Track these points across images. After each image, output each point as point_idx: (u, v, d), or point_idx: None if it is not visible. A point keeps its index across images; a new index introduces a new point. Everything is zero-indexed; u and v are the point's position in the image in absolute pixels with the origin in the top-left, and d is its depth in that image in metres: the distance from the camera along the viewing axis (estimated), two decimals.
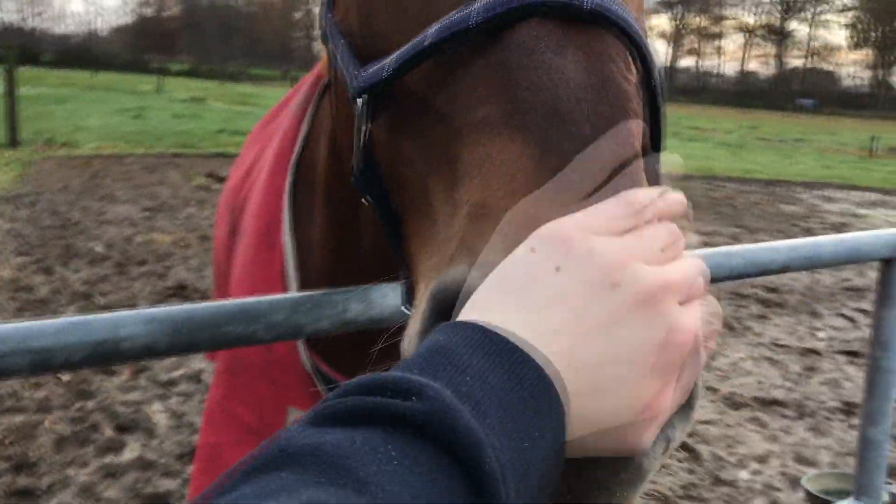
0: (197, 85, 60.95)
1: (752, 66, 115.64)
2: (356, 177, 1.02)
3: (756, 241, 9.54)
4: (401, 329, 0.85)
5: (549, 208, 0.70)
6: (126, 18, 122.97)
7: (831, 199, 19.24)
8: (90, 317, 1.05)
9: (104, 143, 19.59)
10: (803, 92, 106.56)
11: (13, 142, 17.54)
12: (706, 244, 8.92)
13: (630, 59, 0.84)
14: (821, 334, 8.25)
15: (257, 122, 2.57)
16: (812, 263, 1.87)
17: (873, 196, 20.65)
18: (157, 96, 42.30)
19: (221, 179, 12.86)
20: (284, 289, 1.75)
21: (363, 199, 1.06)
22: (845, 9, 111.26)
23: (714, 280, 1.42)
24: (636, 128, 0.78)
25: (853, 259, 1.99)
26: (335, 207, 1.65)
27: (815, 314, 8.99)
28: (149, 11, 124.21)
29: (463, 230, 0.77)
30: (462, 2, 0.84)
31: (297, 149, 1.85)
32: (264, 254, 1.83)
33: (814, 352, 7.69)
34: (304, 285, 1.76)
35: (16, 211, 11.47)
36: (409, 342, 0.80)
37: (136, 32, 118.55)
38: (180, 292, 8.10)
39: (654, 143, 0.91)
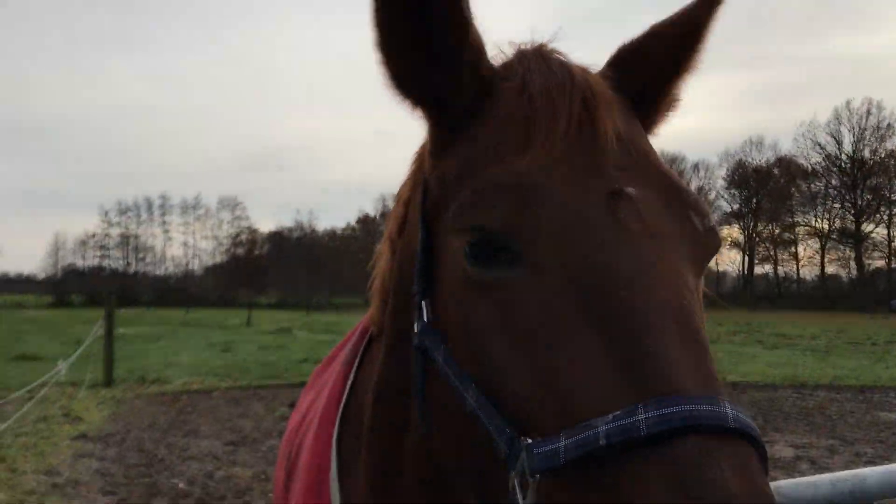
0: (284, 316, 63.39)
1: (831, 269, 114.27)
2: None
3: (854, 452, 8.94)
4: None
5: None
6: (219, 258, 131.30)
7: None
8: None
9: (193, 379, 20.31)
10: (893, 293, 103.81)
11: (108, 381, 18.34)
12: (799, 457, 8.39)
13: (761, 461, 1.04)
14: None
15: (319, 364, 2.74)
16: (855, 499, 1.84)
17: None
18: (246, 329, 44.06)
19: None
20: None
21: None
22: None
23: None
24: None
25: None
26: (378, 454, 1.75)
27: None
28: (240, 251, 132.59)
29: None
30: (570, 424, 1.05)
31: (344, 399, 1.99)
32: (313, 501, 1.92)
33: None
34: None
35: (105, 450, 11.82)
36: None
37: (228, 270, 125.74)
38: None
39: None
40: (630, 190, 1.25)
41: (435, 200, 1.41)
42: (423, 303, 1.35)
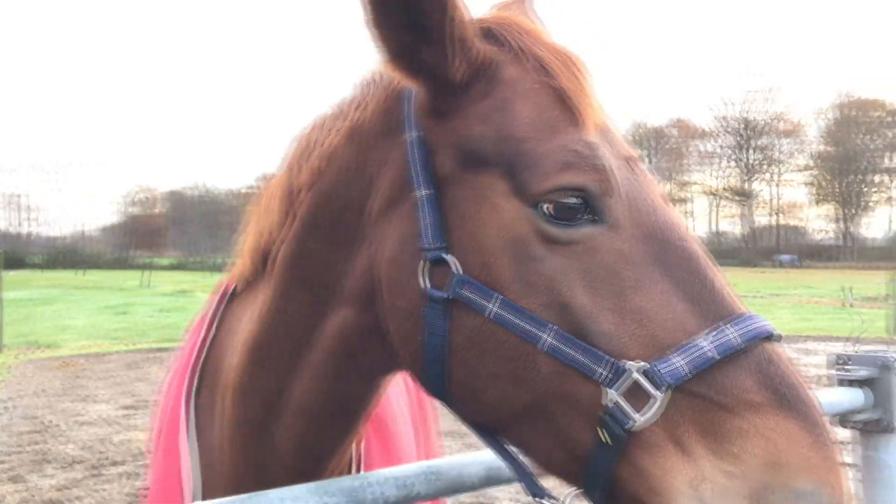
0: (184, 278, 61.86)
1: (723, 226, 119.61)
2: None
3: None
4: None
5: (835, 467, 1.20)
6: (114, 218, 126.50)
7: (810, 351, 19.40)
8: None
9: (87, 342, 19.67)
10: (780, 248, 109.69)
11: None
12: None
13: None
14: None
15: None
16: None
17: (855, 347, 20.79)
18: (143, 291, 42.84)
19: None
20: (182, 494, 1.85)
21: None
22: (804, 168, 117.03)
23: None
24: None
25: None
26: (247, 410, 1.78)
27: None
28: (136, 210, 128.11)
29: (750, 473, 1.19)
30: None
31: (202, 356, 2.00)
32: (168, 457, 1.94)
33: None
34: (211, 489, 1.86)
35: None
36: None
37: (124, 231, 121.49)
38: None
39: None
40: (635, 154, 1.53)
41: (459, 160, 1.48)
42: (448, 257, 1.42)
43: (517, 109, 1.46)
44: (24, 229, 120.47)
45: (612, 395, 1.25)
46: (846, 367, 2.23)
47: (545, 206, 1.37)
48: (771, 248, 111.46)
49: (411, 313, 1.47)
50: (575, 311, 1.32)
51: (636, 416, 1.23)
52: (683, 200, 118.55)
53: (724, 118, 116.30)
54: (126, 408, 12.09)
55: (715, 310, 1.29)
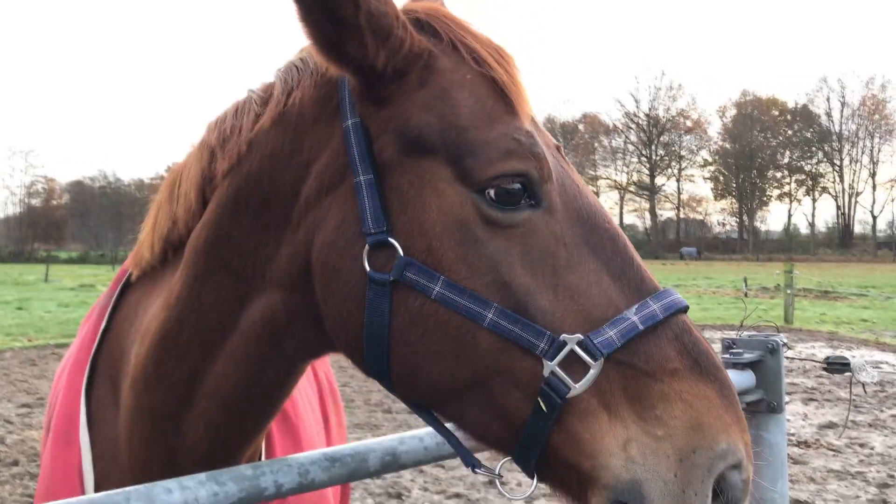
0: (87, 272, 59.47)
1: (629, 219, 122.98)
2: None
3: None
4: None
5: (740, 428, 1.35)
6: (12, 209, 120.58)
7: (710, 339, 20.14)
8: None
9: None
10: (682, 241, 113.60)
11: None
12: None
13: None
14: None
15: None
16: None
17: (747, 333, 21.72)
18: (44, 285, 40.99)
19: None
20: (81, 487, 1.79)
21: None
22: (705, 164, 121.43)
23: None
24: None
25: None
26: (155, 399, 1.73)
27: None
28: (36, 202, 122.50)
29: (674, 434, 1.31)
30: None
31: (94, 346, 1.95)
32: (62, 451, 1.88)
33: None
34: (108, 480, 1.81)
35: None
36: None
37: (22, 223, 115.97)
38: None
39: None
40: (559, 144, 1.66)
41: (400, 147, 1.50)
42: (391, 240, 1.45)
43: (457, 98, 1.51)
44: None
45: (551, 366, 1.34)
46: (732, 350, 2.33)
47: (489, 192, 1.44)
48: (675, 242, 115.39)
49: (352, 296, 1.49)
50: (515, 289, 1.40)
51: (574, 385, 1.33)
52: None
53: (631, 114, 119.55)
54: (23, 406, 11.55)
55: (638, 285, 1.43)
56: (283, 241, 1.61)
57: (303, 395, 2.30)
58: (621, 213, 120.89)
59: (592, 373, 1.33)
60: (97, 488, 1.80)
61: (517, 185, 1.44)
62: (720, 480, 1.31)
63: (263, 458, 1.96)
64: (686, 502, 1.28)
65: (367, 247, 1.47)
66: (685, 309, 1.43)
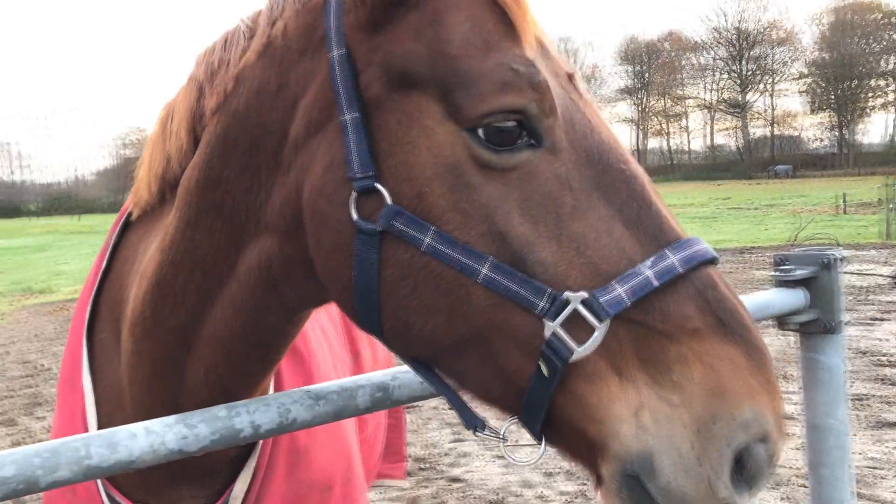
0: None
1: (719, 139, 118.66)
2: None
3: None
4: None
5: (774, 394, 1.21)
6: (108, 161, 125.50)
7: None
8: None
9: (80, 287, 19.67)
10: (775, 159, 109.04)
11: None
12: None
13: None
14: (794, 398, 8.18)
15: None
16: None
17: (846, 252, 20.84)
18: None
19: None
20: (85, 431, 1.78)
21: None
22: (800, 76, 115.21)
23: None
24: None
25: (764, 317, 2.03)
26: (153, 344, 1.68)
27: (787, 378, 8.94)
28: (129, 152, 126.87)
29: (692, 401, 1.17)
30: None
31: (94, 287, 1.90)
32: (68, 395, 1.86)
33: (786, 417, 7.60)
34: (113, 425, 1.79)
35: None
36: None
37: (118, 174, 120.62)
38: None
39: None
40: (574, 71, 1.43)
41: (386, 81, 1.35)
42: (378, 186, 1.32)
43: (450, 23, 1.33)
44: (18, 178, 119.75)
45: (552, 327, 1.21)
46: (782, 267, 2.13)
47: (481, 131, 1.28)
48: (768, 160, 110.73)
49: (340, 246, 1.37)
50: (513, 240, 1.26)
51: (577, 347, 1.19)
52: (678, 115, 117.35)
53: (718, 29, 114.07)
54: None
55: (655, 235, 1.26)
56: (275, 183, 1.49)
57: (316, 329, 2.23)
58: (712, 133, 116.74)
59: (597, 335, 1.19)
60: None
61: (512, 123, 1.28)
62: (743, 453, 1.16)
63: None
64: (702, 476, 1.14)
65: (353, 193, 1.33)
66: (712, 261, 1.25)
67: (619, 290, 1.20)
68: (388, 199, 1.31)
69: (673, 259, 1.21)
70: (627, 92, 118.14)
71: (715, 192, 59.13)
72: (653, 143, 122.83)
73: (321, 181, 1.39)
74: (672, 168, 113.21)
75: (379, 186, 1.32)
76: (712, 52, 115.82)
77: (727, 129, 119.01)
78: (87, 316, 1.87)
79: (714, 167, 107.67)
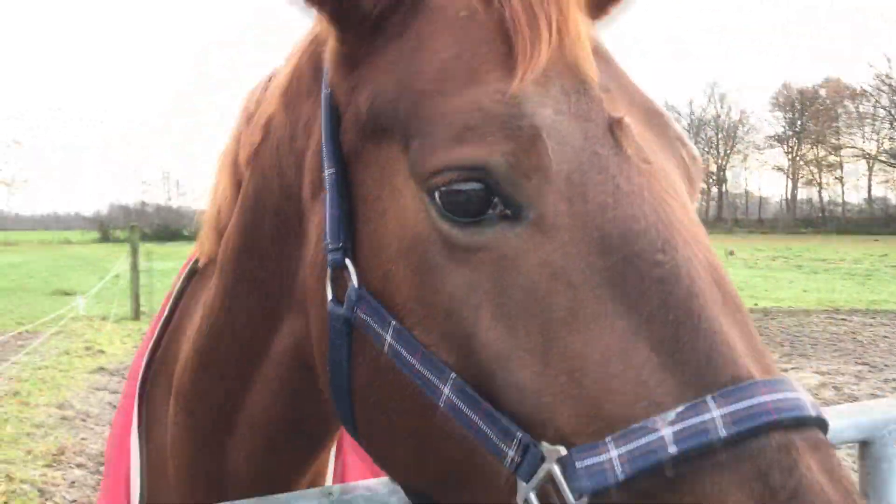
0: None
1: (878, 191, 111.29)
2: None
3: (882, 379, 8.80)
4: None
5: None
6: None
7: None
8: None
9: None
10: None
11: (136, 314, 18.64)
12: (824, 384, 8.21)
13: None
14: None
15: None
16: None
17: None
18: None
19: None
20: (127, 497, 1.63)
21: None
22: None
23: None
24: None
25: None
26: (195, 420, 1.54)
27: None
28: None
29: None
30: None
31: (153, 338, 1.78)
32: (119, 457, 1.73)
33: None
34: (154, 494, 1.64)
35: (121, 382, 11.95)
36: None
37: None
38: None
39: None
40: (627, 119, 1.01)
41: (360, 127, 1.10)
42: (347, 262, 1.06)
43: (432, 48, 1.04)
44: (174, 204, 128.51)
45: (525, 491, 0.87)
46: None
47: (437, 194, 0.95)
48: None
49: (321, 332, 1.13)
50: (481, 350, 0.92)
51: None
52: (832, 165, 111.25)
53: (883, 76, 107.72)
54: None
55: (699, 369, 0.84)
56: (300, 254, 1.28)
57: None
58: (869, 185, 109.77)
59: None
60: (143, 501, 1.63)
61: (474, 185, 0.94)
62: None
63: (330, 479, 1.71)
64: None
65: (328, 269, 1.09)
66: (801, 422, 0.82)
67: (612, 454, 0.83)
68: (354, 279, 1.03)
69: (714, 413, 0.80)
70: (778, 140, 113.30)
71: (872, 248, 55.28)
72: (803, 193, 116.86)
73: (313, 252, 1.17)
74: (824, 220, 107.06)
75: (348, 262, 1.05)
76: (874, 100, 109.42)
77: (887, 181, 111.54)
78: (142, 364, 1.75)
79: (871, 221, 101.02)
